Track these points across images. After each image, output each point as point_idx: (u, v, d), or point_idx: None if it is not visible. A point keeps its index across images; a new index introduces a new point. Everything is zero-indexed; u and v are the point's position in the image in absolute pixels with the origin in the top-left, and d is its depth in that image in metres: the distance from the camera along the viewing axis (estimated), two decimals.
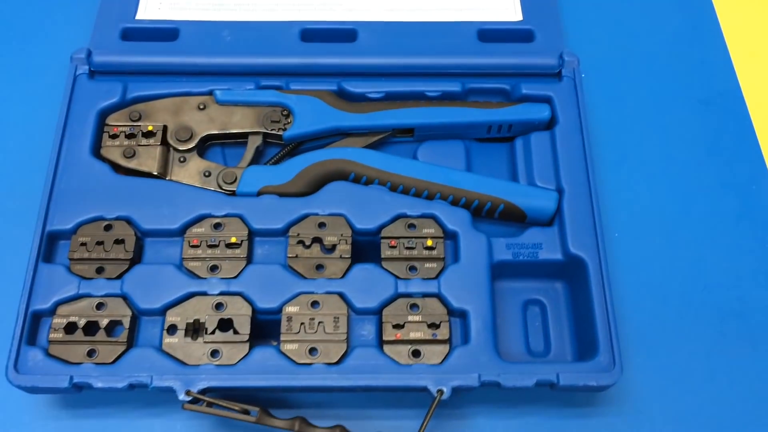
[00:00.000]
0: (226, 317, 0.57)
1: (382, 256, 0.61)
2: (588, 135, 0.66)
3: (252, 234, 0.62)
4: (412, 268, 0.61)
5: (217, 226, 0.61)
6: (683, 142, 0.73)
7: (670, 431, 0.60)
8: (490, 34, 0.72)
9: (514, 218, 0.65)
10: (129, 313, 0.57)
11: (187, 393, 0.54)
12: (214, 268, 0.60)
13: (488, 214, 0.65)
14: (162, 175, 0.64)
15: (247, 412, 0.54)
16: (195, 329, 0.58)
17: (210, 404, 0.54)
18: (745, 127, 0.74)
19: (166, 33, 0.71)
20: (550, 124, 0.68)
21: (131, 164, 0.64)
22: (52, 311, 0.57)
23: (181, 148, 0.65)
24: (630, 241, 0.67)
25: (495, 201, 0.64)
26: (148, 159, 0.64)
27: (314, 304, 0.58)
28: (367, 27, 0.72)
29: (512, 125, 0.68)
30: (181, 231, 0.61)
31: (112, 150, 0.65)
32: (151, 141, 0.65)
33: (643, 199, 0.70)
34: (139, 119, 0.66)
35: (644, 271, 0.66)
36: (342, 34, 0.72)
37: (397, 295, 0.59)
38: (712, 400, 0.61)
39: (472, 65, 0.70)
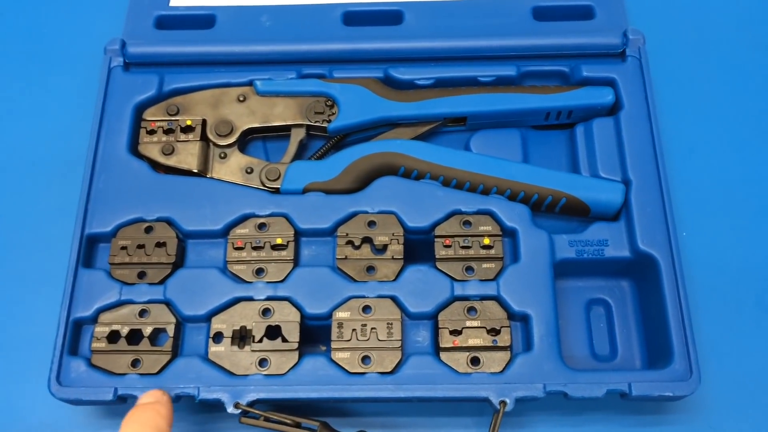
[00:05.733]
0: (273, 324, 0.55)
1: (437, 256, 0.57)
2: (656, 121, 0.61)
3: (298, 234, 0.58)
4: (469, 269, 0.57)
5: (261, 226, 0.58)
6: (758, 131, 0.67)
7: None
8: (547, 11, 0.67)
9: (577, 213, 0.60)
10: (173, 320, 0.55)
11: (236, 406, 0.52)
12: (259, 272, 0.57)
13: (548, 209, 0.60)
14: (202, 173, 0.61)
15: (305, 426, 0.51)
16: (242, 337, 0.55)
17: (267, 418, 0.51)
18: None
19: (202, 20, 0.68)
20: (613, 109, 0.63)
21: (170, 161, 0.61)
22: (93, 319, 0.55)
23: (221, 143, 0.62)
24: (700, 239, 0.63)
25: (556, 195, 0.59)
26: (188, 156, 0.61)
27: (366, 308, 0.55)
28: (414, 8, 0.68)
29: (572, 111, 0.63)
30: (224, 232, 0.58)
31: (150, 147, 0.62)
32: (190, 136, 0.62)
33: (714, 193, 0.65)
34: (176, 113, 0.63)
35: (715, 272, 0.62)
36: (387, 16, 0.68)
37: (454, 299, 0.56)
38: None
39: (527, 46, 0.65)
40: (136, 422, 0.48)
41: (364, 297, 0.56)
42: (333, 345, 0.54)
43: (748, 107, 0.68)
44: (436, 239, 0.58)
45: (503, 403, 0.52)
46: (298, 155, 0.63)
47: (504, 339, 0.54)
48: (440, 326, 0.55)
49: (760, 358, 0.59)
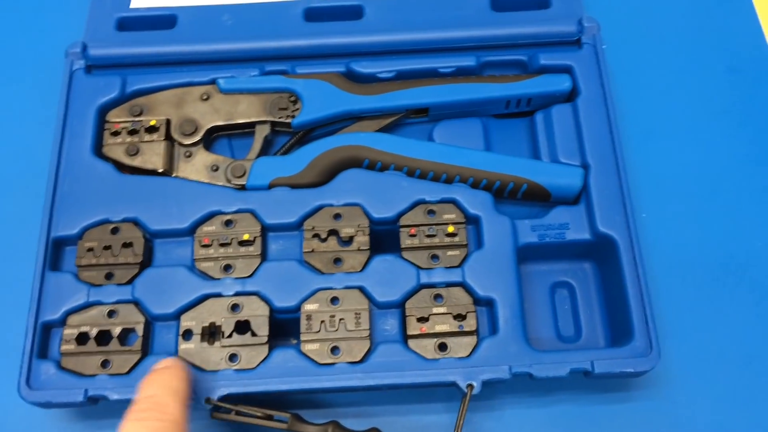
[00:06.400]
0: (242, 319, 0.55)
1: (402, 245, 0.58)
2: (613, 106, 0.62)
3: (265, 229, 0.59)
4: (434, 257, 0.58)
5: (228, 223, 0.59)
6: (711, 112, 0.69)
7: (708, 416, 0.58)
8: (504, 2, 0.68)
9: (538, 198, 0.62)
10: (142, 319, 0.55)
11: (207, 401, 0.52)
12: (227, 268, 0.57)
13: (511, 195, 0.62)
14: (168, 172, 0.61)
15: (276, 419, 0.52)
16: (211, 333, 0.56)
17: (239, 412, 0.52)
18: None
19: (163, 21, 0.68)
20: (571, 96, 0.64)
21: (135, 162, 0.61)
22: (62, 321, 0.56)
23: (186, 143, 0.63)
24: (659, 220, 0.64)
25: (517, 181, 0.61)
26: (153, 156, 0.61)
27: (334, 300, 0.56)
28: (374, 2, 0.68)
29: (531, 99, 0.64)
30: (191, 230, 0.59)
31: (115, 148, 0.62)
32: (155, 136, 0.62)
33: (671, 174, 0.66)
34: (140, 114, 0.63)
35: (675, 251, 0.63)
36: (347, 11, 0.68)
37: (420, 286, 0.57)
38: (751, 383, 0.59)
39: (486, 37, 0.66)
40: (153, 383, 0.49)
41: (331, 288, 0.56)
42: (302, 337, 0.55)
43: (698, 91, 0.70)
44: (401, 229, 0.58)
45: (470, 386, 0.53)
46: (264, 151, 0.63)
47: (470, 324, 0.55)
48: (407, 314, 0.56)
49: (719, 334, 0.60)
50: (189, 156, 0.63)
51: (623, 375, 0.54)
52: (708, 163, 0.67)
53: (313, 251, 0.58)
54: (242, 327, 0.55)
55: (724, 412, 0.58)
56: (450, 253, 0.58)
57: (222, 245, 0.58)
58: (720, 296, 0.62)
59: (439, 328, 0.55)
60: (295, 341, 0.58)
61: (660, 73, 0.71)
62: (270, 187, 0.60)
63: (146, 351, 0.55)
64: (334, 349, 0.55)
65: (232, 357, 0.54)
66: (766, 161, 0.67)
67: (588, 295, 0.61)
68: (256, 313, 0.55)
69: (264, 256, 0.58)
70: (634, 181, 0.65)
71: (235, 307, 0.56)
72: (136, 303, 0.56)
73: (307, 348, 0.54)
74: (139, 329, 0.55)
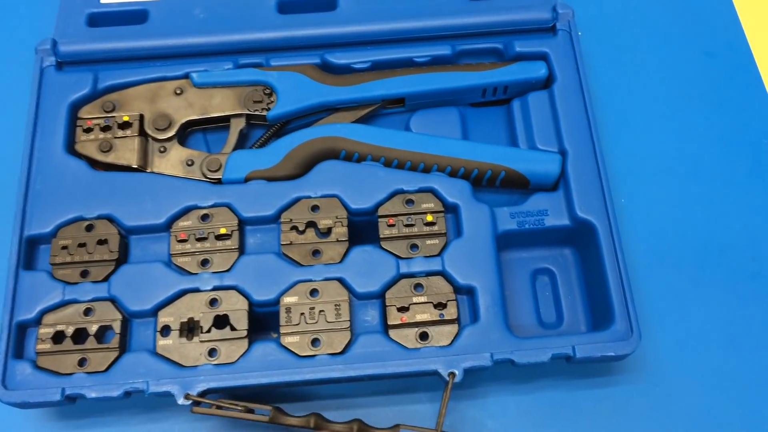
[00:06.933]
0: (221, 313, 0.55)
1: (381, 235, 0.58)
2: (589, 92, 0.62)
3: (242, 223, 0.58)
4: (414, 246, 0.58)
5: (204, 217, 0.58)
6: (689, 97, 0.69)
7: (690, 398, 0.58)
8: None
9: (517, 185, 0.61)
10: (119, 316, 0.55)
11: (187, 397, 0.52)
12: (205, 263, 0.57)
13: (489, 183, 0.61)
14: (142, 168, 0.61)
15: (258, 412, 0.52)
16: (190, 328, 0.55)
17: (219, 406, 0.51)
18: (753, 79, 0.70)
19: (134, 15, 0.67)
20: (547, 83, 0.64)
21: (109, 159, 0.60)
22: (37, 321, 0.55)
23: (160, 138, 0.62)
24: (638, 204, 0.64)
25: (495, 168, 0.60)
26: (126, 152, 0.61)
27: (313, 292, 0.55)
28: None
29: (508, 86, 0.64)
30: (167, 225, 0.58)
31: (88, 145, 0.61)
32: (128, 132, 0.61)
33: (649, 159, 0.66)
34: (113, 110, 0.62)
35: (654, 235, 0.63)
36: (321, 2, 0.68)
37: (400, 276, 0.56)
38: (731, 364, 0.59)
39: (461, 25, 0.66)
40: None
41: (310, 281, 0.56)
42: (282, 330, 0.54)
43: (676, 75, 0.70)
44: (379, 219, 0.58)
45: (452, 374, 0.53)
46: (240, 145, 0.63)
47: (451, 312, 0.55)
48: (388, 304, 0.55)
49: (700, 316, 0.61)
50: (163, 151, 0.62)
51: (605, 359, 0.54)
52: (686, 147, 0.67)
53: (291, 244, 0.57)
54: (221, 322, 0.55)
55: (705, 393, 0.58)
56: (429, 242, 0.58)
57: (199, 240, 0.57)
58: (700, 279, 0.62)
59: (419, 318, 0.55)
60: (275, 335, 0.57)
61: (636, 58, 0.71)
62: (246, 180, 0.60)
63: (124, 348, 0.55)
64: (315, 341, 0.54)
65: (212, 352, 0.54)
66: (742, 144, 0.68)
67: (569, 281, 0.61)
68: (235, 307, 0.55)
69: (241, 249, 0.58)
70: (612, 167, 0.65)
71: (213, 302, 0.55)
72: (113, 300, 0.55)
73: (287, 341, 0.54)
74: (116, 326, 0.54)
